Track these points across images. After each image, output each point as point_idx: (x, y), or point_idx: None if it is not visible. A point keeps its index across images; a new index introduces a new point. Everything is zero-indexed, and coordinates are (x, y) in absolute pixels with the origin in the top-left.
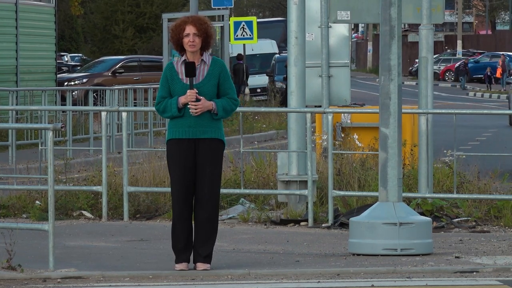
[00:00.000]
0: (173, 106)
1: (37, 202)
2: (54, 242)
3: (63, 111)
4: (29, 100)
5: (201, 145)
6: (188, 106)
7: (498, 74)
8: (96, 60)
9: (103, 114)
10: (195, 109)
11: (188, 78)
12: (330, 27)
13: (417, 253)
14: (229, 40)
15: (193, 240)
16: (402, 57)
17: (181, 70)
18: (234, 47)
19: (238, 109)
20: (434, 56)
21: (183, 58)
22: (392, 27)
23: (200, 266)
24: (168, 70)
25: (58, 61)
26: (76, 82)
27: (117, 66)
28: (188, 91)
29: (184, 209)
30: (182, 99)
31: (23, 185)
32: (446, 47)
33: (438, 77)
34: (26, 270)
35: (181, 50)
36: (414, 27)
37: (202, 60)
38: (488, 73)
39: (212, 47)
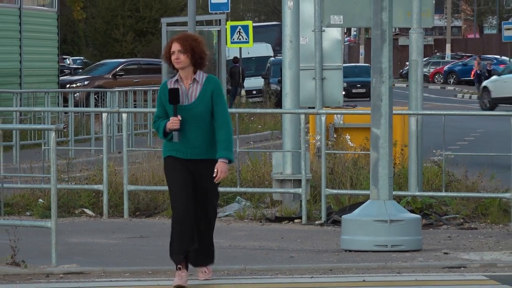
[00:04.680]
0: (159, 131)
1: (40, 200)
2: (56, 239)
3: (65, 112)
4: (32, 101)
5: (199, 166)
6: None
7: (472, 75)
8: (97, 63)
9: (104, 115)
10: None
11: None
12: (324, 31)
13: (407, 249)
14: (226, 44)
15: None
16: (393, 60)
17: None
18: (231, 50)
19: (235, 110)
20: (424, 59)
21: (175, 77)
22: (384, 31)
23: (201, 275)
24: (162, 90)
25: (60, 64)
26: (78, 84)
27: (117, 69)
28: (171, 118)
29: (187, 207)
30: (168, 125)
31: (27, 184)
32: (436, 50)
33: (427, 79)
34: (29, 266)
35: (174, 68)
36: (404, 31)
37: (194, 79)
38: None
39: (206, 65)
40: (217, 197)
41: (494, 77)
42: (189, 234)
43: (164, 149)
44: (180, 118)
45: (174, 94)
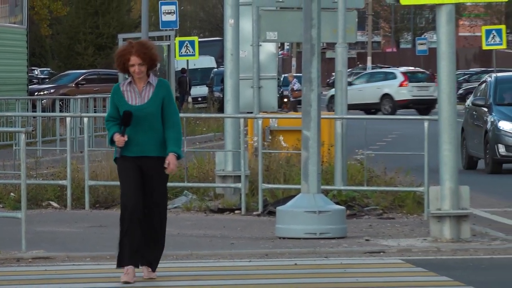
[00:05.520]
0: (108, 137)
1: (11, 194)
2: (26, 228)
3: (34, 117)
4: (4, 107)
5: (148, 163)
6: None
7: None
8: (62, 73)
9: (68, 119)
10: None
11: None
12: (260, 45)
13: (333, 236)
14: (175, 56)
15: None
16: (321, 70)
17: (126, 93)
18: (179, 62)
19: (182, 114)
20: (348, 70)
21: (129, 79)
22: (313, 46)
23: (147, 274)
24: (114, 92)
25: (29, 74)
26: (45, 92)
27: (79, 79)
28: (116, 137)
29: (135, 204)
30: (115, 137)
31: (0, 180)
32: (358, 62)
33: None
34: (2, 251)
35: (126, 72)
36: (331, 45)
37: (149, 82)
38: None
39: (156, 66)
40: (166, 197)
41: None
42: (138, 233)
43: (115, 149)
44: (126, 139)
45: (127, 117)
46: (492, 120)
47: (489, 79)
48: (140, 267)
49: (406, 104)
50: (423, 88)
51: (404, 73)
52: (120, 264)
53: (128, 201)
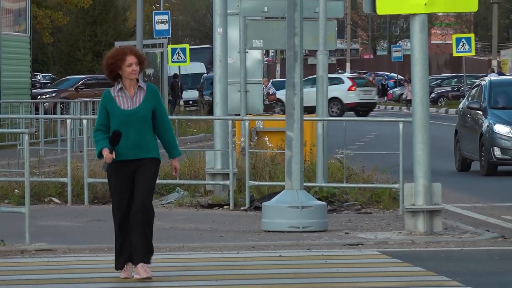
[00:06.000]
0: (97, 149)
1: (16, 190)
2: (29, 222)
3: (37, 119)
4: (9, 110)
5: (139, 164)
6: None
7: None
8: (63, 78)
9: (68, 121)
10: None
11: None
12: (247, 52)
13: (315, 230)
14: (168, 63)
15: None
16: (303, 76)
17: (118, 98)
18: (171, 68)
19: (175, 117)
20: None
21: (119, 85)
22: (296, 53)
23: (142, 272)
24: (106, 98)
25: (32, 79)
26: (47, 96)
27: (79, 83)
28: (105, 152)
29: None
30: (103, 152)
31: (5, 177)
32: (338, 68)
33: None
34: (7, 244)
35: (115, 78)
36: (313, 52)
37: (140, 86)
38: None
39: (143, 69)
40: (152, 194)
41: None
42: (128, 236)
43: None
44: (114, 157)
45: (116, 137)
46: (488, 123)
47: (483, 83)
48: (135, 266)
49: (354, 107)
50: (367, 92)
51: (351, 78)
52: (119, 267)
53: (118, 212)
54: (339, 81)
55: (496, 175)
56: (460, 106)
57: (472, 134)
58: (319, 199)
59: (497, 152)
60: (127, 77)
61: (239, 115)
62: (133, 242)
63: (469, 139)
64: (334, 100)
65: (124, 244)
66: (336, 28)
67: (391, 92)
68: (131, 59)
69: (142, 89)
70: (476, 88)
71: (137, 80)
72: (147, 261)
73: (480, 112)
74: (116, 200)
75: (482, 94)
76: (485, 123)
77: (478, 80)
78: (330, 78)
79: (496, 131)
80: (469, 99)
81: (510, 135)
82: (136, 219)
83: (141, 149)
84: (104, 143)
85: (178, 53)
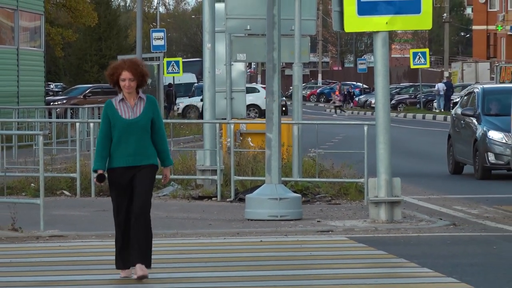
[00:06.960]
0: (92, 165)
1: (32, 184)
2: (43, 212)
3: (50, 123)
4: (26, 115)
5: (137, 170)
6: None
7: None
8: (72, 87)
9: (77, 124)
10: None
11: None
12: (232, 64)
13: (291, 218)
14: (163, 74)
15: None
16: (281, 85)
17: (120, 108)
18: (167, 78)
19: (169, 120)
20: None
21: (120, 96)
22: (274, 65)
23: (139, 271)
24: (108, 108)
25: (46, 88)
26: (58, 102)
27: (87, 92)
28: (99, 173)
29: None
30: (98, 172)
31: (23, 173)
32: (311, 78)
33: (305, 99)
34: (24, 231)
35: (118, 87)
36: (289, 65)
37: (140, 97)
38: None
39: (147, 82)
40: (150, 198)
41: None
42: (127, 239)
43: (108, 160)
44: (106, 180)
45: (101, 180)
46: (482, 129)
47: (476, 90)
48: (134, 266)
49: None
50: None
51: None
52: (119, 267)
53: (118, 215)
54: (255, 90)
55: (491, 179)
56: (453, 112)
57: (466, 139)
58: (294, 191)
59: (491, 157)
60: (124, 91)
61: (225, 119)
62: (132, 244)
63: (462, 144)
64: (252, 106)
65: (124, 247)
66: (309, 44)
67: (357, 99)
68: (125, 74)
69: (142, 99)
70: (467, 96)
71: (138, 91)
72: (147, 265)
73: (474, 119)
74: (116, 205)
75: (475, 102)
76: (479, 130)
77: (469, 87)
78: (248, 88)
79: (490, 137)
80: (463, 105)
81: (504, 141)
82: (135, 222)
83: (141, 156)
84: (101, 163)
85: (173, 65)
